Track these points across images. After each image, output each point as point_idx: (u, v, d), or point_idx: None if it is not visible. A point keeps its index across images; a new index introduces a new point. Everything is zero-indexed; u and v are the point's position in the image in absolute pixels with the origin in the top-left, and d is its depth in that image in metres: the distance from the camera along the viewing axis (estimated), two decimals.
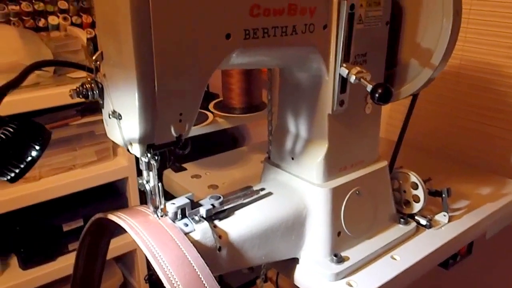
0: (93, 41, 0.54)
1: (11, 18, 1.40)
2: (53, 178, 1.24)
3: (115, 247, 1.34)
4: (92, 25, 1.48)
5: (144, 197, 0.58)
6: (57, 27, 1.47)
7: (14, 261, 1.27)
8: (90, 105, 1.25)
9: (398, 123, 1.14)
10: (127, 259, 1.50)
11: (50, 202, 1.21)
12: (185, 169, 0.97)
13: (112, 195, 1.38)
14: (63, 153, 1.26)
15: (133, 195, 1.36)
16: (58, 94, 1.16)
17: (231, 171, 0.96)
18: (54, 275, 1.27)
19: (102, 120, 1.25)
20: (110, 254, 0.71)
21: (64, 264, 1.28)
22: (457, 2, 0.63)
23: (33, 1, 1.42)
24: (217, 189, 0.88)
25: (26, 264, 1.25)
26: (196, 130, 0.88)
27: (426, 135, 1.13)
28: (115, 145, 1.36)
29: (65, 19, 1.48)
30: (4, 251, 1.27)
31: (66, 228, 1.29)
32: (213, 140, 1.50)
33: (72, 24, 1.49)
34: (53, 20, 1.45)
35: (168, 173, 0.95)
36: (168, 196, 0.60)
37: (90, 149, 1.30)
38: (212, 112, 0.93)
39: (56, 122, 1.22)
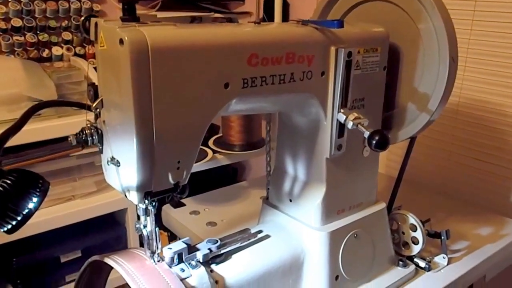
0: (93, 86, 0.55)
1: (16, 49, 1.42)
2: (52, 209, 1.24)
3: (113, 278, 1.32)
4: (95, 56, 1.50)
5: None
6: (60, 58, 1.49)
7: None
8: None
9: (398, 159, 1.14)
10: None
11: (48, 233, 1.21)
12: (184, 204, 0.96)
13: (111, 226, 1.38)
14: (62, 184, 1.26)
15: (131, 226, 1.35)
16: (60, 126, 1.17)
17: (230, 207, 0.96)
18: None
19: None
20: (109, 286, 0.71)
21: None
22: (453, 50, 0.64)
23: (38, 32, 1.45)
24: (216, 226, 0.88)
25: None
26: (195, 167, 0.88)
27: (425, 172, 1.13)
28: None
29: (68, 49, 1.50)
30: (1, 282, 1.26)
31: (64, 259, 1.29)
32: (213, 172, 1.51)
33: (76, 54, 1.51)
34: (57, 50, 1.48)
35: (166, 208, 0.95)
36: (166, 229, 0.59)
37: (90, 180, 1.31)
38: (211, 149, 0.94)
39: (57, 153, 1.22)
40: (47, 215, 1.22)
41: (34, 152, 1.16)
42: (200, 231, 0.86)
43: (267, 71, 0.54)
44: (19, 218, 0.42)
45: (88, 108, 0.58)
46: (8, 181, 0.41)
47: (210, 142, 0.96)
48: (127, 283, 1.49)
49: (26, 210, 0.42)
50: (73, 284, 0.67)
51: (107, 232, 1.35)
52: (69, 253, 1.29)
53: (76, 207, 1.26)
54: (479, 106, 1.01)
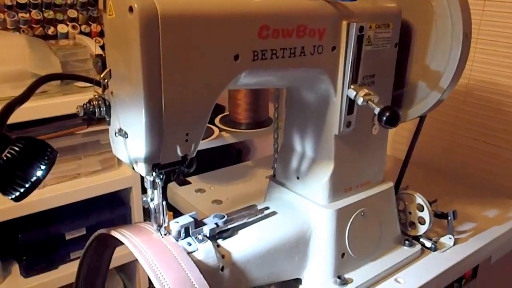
0: (101, 58, 0.54)
1: (21, 26, 1.41)
2: (57, 187, 1.24)
3: (117, 256, 1.31)
4: (101, 34, 1.49)
5: (147, 208, 0.58)
6: (66, 36, 1.48)
7: (15, 268, 1.27)
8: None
9: (404, 141, 1.13)
10: (129, 269, 1.50)
11: (53, 210, 1.21)
12: (189, 182, 0.96)
13: (115, 204, 1.38)
14: (68, 162, 1.26)
15: (136, 205, 1.36)
16: (65, 103, 1.16)
17: (235, 186, 0.96)
18: (56, 284, 1.26)
19: (107, 130, 1.25)
20: (112, 264, 0.71)
21: (66, 273, 1.27)
22: (467, 26, 0.63)
23: (43, 9, 1.43)
24: (221, 204, 0.88)
25: (27, 272, 1.24)
26: (201, 145, 0.88)
27: (433, 154, 1.12)
28: None
29: (74, 27, 1.49)
30: (6, 259, 1.27)
31: (68, 236, 1.29)
32: (218, 153, 1.50)
33: (81, 32, 1.50)
34: (62, 28, 1.46)
35: (172, 186, 0.95)
36: (171, 208, 0.59)
37: (95, 158, 1.30)
38: (218, 127, 0.93)
39: (62, 130, 1.22)
40: (52, 192, 1.22)
41: (39, 129, 1.17)
42: (206, 209, 0.86)
43: (277, 44, 0.54)
44: (27, 186, 0.42)
45: (96, 83, 0.57)
46: (16, 148, 0.41)
47: (217, 120, 0.96)
48: (134, 261, 1.49)
49: (34, 178, 0.42)
50: (77, 261, 0.67)
51: (112, 210, 1.35)
52: (74, 231, 1.29)
53: (81, 185, 1.26)
54: (488, 88, 1.00)
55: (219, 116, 0.98)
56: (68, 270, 1.28)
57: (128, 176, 1.32)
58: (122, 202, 1.39)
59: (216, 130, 0.91)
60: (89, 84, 0.60)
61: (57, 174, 1.25)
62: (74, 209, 1.27)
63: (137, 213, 1.36)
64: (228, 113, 0.98)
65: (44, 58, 1.24)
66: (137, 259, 0.53)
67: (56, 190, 1.23)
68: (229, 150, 1.63)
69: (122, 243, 0.61)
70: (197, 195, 0.92)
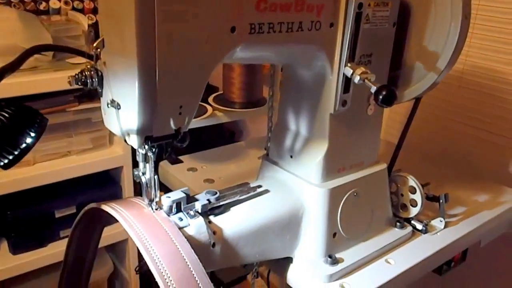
0: (94, 27, 0.53)
1: (12, 0, 1.38)
2: (47, 164, 1.23)
3: (107, 235, 1.33)
4: (94, 11, 1.46)
5: (138, 187, 0.57)
6: (58, 11, 1.45)
7: (4, 245, 1.26)
8: (88, 92, 1.23)
9: (397, 125, 1.13)
10: (119, 248, 1.49)
11: (43, 188, 1.20)
12: (181, 161, 0.96)
13: (106, 183, 1.37)
14: (58, 139, 1.24)
15: (127, 185, 1.35)
16: (56, 79, 1.14)
17: (228, 165, 0.95)
18: (45, 261, 1.26)
19: (99, 108, 1.24)
20: (102, 243, 0.70)
21: (55, 251, 1.27)
22: (466, 6, 0.62)
23: None
24: (213, 183, 0.88)
25: (16, 249, 1.24)
26: (194, 123, 0.87)
27: (426, 139, 1.12)
28: (111, 134, 1.34)
29: (66, 3, 1.45)
30: None
31: (58, 214, 1.28)
32: (210, 134, 1.49)
33: (74, 9, 1.47)
34: (54, 3, 1.43)
35: (164, 164, 0.94)
36: (164, 188, 0.59)
37: (86, 136, 1.29)
38: (211, 105, 0.92)
39: (53, 107, 1.21)
40: (43, 169, 1.21)
41: (30, 105, 1.15)
42: (198, 187, 0.85)
43: (275, 18, 0.53)
44: (16, 153, 0.41)
45: (88, 56, 0.56)
46: (6, 114, 0.40)
47: (210, 99, 0.95)
48: (123, 240, 1.49)
49: (24, 145, 0.41)
50: (67, 240, 0.66)
51: (102, 189, 1.34)
52: (64, 209, 1.28)
53: (72, 163, 1.25)
54: (484, 74, 1.00)
55: (213, 95, 0.97)
56: (57, 248, 1.27)
57: (120, 155, 1.31)
58: (113, 181, 1.38)
59: (210, 109, 0.90)
60: (82, 61, 0.59)
61: (48, 152, 1.23)
62: (65, 187, 1.26)
63: (128, 192, 1.36)
64: (222, 92, 0.97)
65: (35, 33, 1.22)
66: (127, 237, 0.53)
67: (46, 167, 1.22)
68: (222, 131, 1.62)
69: (112, 221, 0.60)
70: (189, 174, 0.91)
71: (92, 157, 1.28)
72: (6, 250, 1.25)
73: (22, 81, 1.10)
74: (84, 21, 1.31)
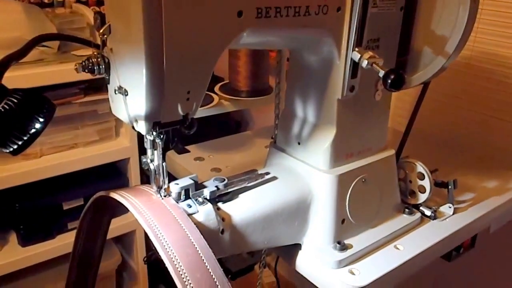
0: (100, 14, 0.53)
1: None
2: (54, 156, 1.23)
3: (115, 227, 1.34)
4: (98, 3, 1.46)
5: (145, 179, 0.57)
6: (62, 4, 1.45)
7: (13, 237, 1.27)
8: (94, 84, 1.24)
9: (404, 113, 1.13)
10: (126, 240, 1.50)
11: (51, 180, 1.21)
12: (188, 151, 0.96)
13: (113, 175, 1.38)
14: (65, 131, 1.25)
15: (134, 176, 1.35)
16: (62, 71, 1.15)
17: (234, 155, 0.95)
18: (53, 253, 1.27)
19: (105, 100, 1.24)
20: (110, 235, 0.70)
21: (63, 242, 1.28)
22: None
23: None
24: (220, 172, 0.87)
25: (25, 241, 1.24)
26: (200, 112, 0.87)
27: (433, 126, 1.11)
28: (117, 125, 1.34)
29: None
30: (3, 227, 1.27)
31: (66, 206, 1.29)
32: (216, 124, 1.49)
33: (78, 1, 1.47)
34: None
35: (171, 154, 0.94)
36: (170, 178, 0.59)
37: (92, 128, 1.29)
38: (217, 94, 0.92)
39: (59, 99, 1.21)
40: (50, 162, 1.21)
41: None
42: (205, 176, 0.84)
43: (282, 2, 0.52)
44: (25, 138, 0.41)
45: (95, 46, 0.56)
46: (14, 100, 0.40)
47: (216, 88, 0.95)
48: (131, 232, 1.49)
49: (33, 130, 0.41)
50: (75, 231, 0.66)
51: (109, 181, 1.35)
52: (72, 201, 1.29)
53: (78, 155, 1.26)
54: (491, 60, 0.99)
55: (219, 84, 0.96)
56: (66, 240, 1.28)
57: (126, 146, 1.31)
58: (120, 173, 1.38)
59: (216, 98, 0.90)
60: (87, 53, 0.58)
61: (55, 144, 1.24)
62: (72, 179, 1.27)
63: (135, 183, 1.36)
64: (228, 81, 0.96)
65: (40, 26, 1.22)
66: (134, 229, 0.53)
67: (53, 159, 1.22)
68: (228, 122, 1.62)
69: (119, 211, 0.60)
70: (196, 163, 0.91)
71: (98, 149, 1.29)
72: (15, 242, 1.26)
73: (28, 74, 1.10)
74: (89, 13, 1.31)
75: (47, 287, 1.34)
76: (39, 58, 1.18)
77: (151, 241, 0.52)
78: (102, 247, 0.71)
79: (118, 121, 1.34)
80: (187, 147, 0.96)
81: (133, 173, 1.35)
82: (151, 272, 1.51)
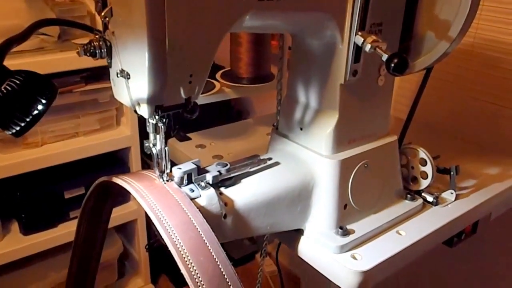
0: None
1: None
2: (56, 145, 1.23)
3: (116, 216, 1.34)
4: None
5: (146, 167, 0.57)
6: None
7: (15, 226, 1.27)
8: (95, 73, 1.23)
9: (406, 101, 1.12)
10: (128, 228, 1.51)
11: (52, 169, 1.21)
12: (189, 138, 0.95)
13: (114, 164, 1.38)
14: (66, 120, 1.25)
15: (135, 165, 1.35)
16: (62, 60, 1.14)
17: (236, 142, 0.95)
18: (55, 242, 1.27)
19: (106, 88, 1.23)
20: (111, 224, 0.70)
21: (65, 231, 1.28)
22: None
23: None
24: (222, 159, 0.87)
25: (27, 229, 1.25)
26: (202, 99, 0.87)
27: (435, 113, 1.11)
28: (118, 114, 1.34)
29: None
30: (5, 216, 1.27)
31: (67, 195, 1.29)
32: (218, 113, 1.49)
33: None
34: None
35: (172, 142, 0.94)
36: (172, 165, 0.59)
37: (93, 117, 1.29)
38: (219, 81, 0.91)
39: (59, 88, 1.20)
40: (51, 150, 1.21)
41: None
42: (207, 163, 0.84)
43: None
44: (27, 120, 0.41)
45: (96, 31, 0.55)
46: (16, 81, 0.40)
47: (218, 75, 0.94)
48: (132, 221, 1.49)
49: (36, 112, 0.41)
50: (76, 220, 0.66)
51: (111, 170, 1.35)
52: (73, 190, 1.29)
53: (79, 144, 1.25)
54: (494, 47, 0.98)
55: (221, 71, 0.96)
56: (67, 229, 1.28)
57: (127, 135, 1.31)
58: (121, 162, 1.38)
59: (218, 85, 0.90)
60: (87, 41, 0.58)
61: (56, 133, 1.24)
62: (73, 168, 1.27)
63: None
64: (229, 68, 0.96)
65: (40, 14, 1.22)
66: (136, 217, 0.53)
67: (54, 148, 1.22)
68: (229, 110, 1.61)
69: (122, 200, 0.60)
70: (197, 151, 0.91)
71: (99, 138, 1.29)
72: (17, 231, 1.26)
73: (28, 62, 1.10)
74: (89, 1, 1.30)
75: (49, 276, 1.35)
76: (40, 47, 1.18)
77: (153, 229, 0.52)
78: (104, 236, 0.71)
79: (119, 110, 1.33)
80: (189, 135, 0.96)
81: (134, 162, 1.35)
82: (152, 261, 1.52)
